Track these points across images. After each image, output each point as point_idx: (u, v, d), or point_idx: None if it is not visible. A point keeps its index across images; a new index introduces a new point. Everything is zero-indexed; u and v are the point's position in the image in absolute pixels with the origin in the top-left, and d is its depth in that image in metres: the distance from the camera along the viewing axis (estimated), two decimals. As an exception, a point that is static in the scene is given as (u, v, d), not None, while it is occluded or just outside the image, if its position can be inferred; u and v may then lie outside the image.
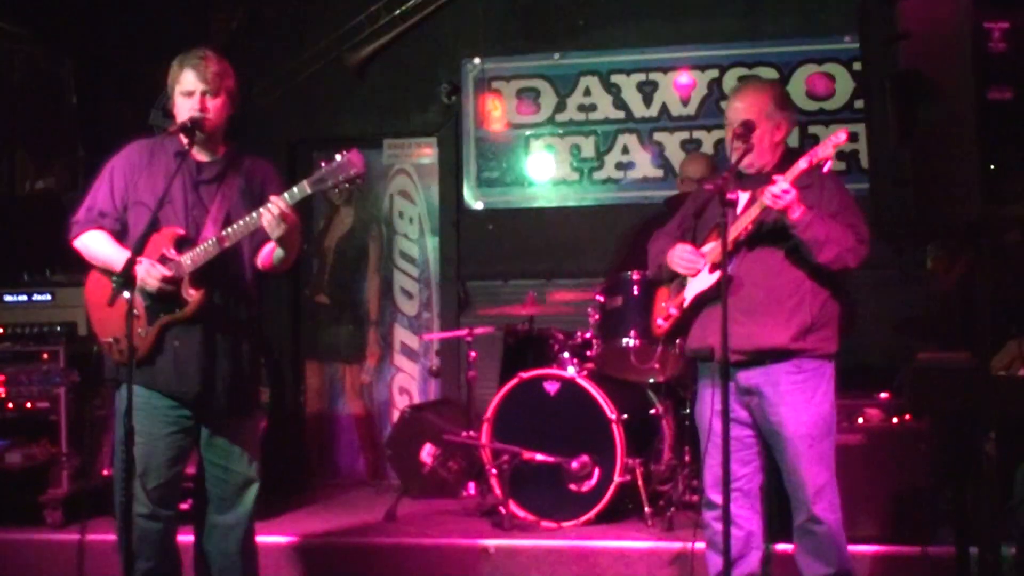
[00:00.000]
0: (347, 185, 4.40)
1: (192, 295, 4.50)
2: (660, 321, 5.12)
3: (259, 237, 4.59)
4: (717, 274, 4.73)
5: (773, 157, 4.84)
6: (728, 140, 4.90)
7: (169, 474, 4.59)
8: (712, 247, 4.84)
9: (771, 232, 4.71)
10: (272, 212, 4.34)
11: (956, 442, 5.19)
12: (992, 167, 3.88)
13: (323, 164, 4.41)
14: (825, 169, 4.63)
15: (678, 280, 5.00)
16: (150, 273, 4.44)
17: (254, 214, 4.41)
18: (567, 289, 8.00)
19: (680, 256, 4.90)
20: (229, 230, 4.46)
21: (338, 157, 4.39)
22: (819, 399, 4.75)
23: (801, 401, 4.71)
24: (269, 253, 4.63)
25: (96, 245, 4.61)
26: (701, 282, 4.86)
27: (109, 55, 8.23)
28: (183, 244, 4.52)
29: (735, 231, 4.68)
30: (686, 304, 4.94)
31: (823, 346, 4.77)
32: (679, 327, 5.04)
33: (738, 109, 4.84)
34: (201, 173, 4.65)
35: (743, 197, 4.73)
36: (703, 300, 4.87)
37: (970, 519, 4.92)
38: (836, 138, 4.58)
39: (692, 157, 7.49)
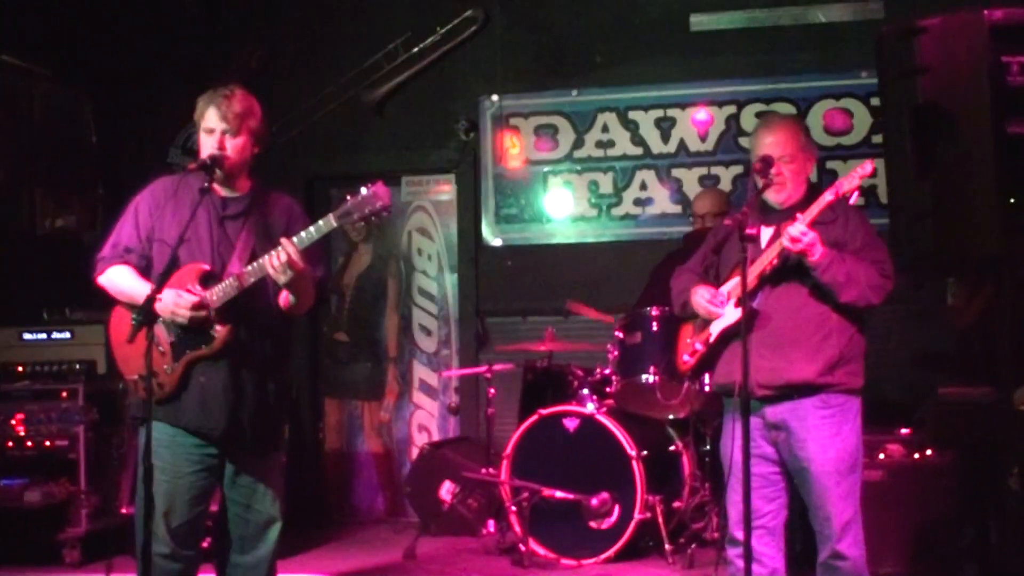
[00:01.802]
0: (373, 218, 4.36)
1: (218, 331, 4.48)
2: (686, 357, 5.07)
3: None
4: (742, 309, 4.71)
5: (803, 191, 4.81)
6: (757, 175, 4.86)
7: (192, 513, 4.55)
8: (736, 282, 4.81)
9: (796, 266, 4.65)
10: (279, 258, 4.32)
11: (979, 477, 5.15)
12: (1012, 200, 3.87)
13: (348, 197, 4.38)
14: (852, 200, 4.58)
15: (703, 316, 4.98)
16: (178, 304, 4.41)
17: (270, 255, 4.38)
18: (586, 325, 7.96)
19: (701, 298, 4.89)
20: (250, 267, 4.44)
21: (363, 190, 4.34)
22: (846, 434, 4.68)
23: (828, 436, 4.65)
24: (286, 296, 4.59)
25: (121, 280, 4.59)
26: (727, 317, 4.81)
27: (129, 93, 8.28)
28: (208, 279, 4.49)
29: (760, 266, 4.64)
30: (712, 340, 4.90)
31: (850, 381, 4.70)
32: (705, 362, 5.01)
33: (772, 144, 4.73)
34: (227, 209, 4.62)
35: (767, 232, 4.69)
36: (729, 335, 4.84)
37: (994, 555, 4.89)
38: (862, 169, 4.51)
39: (702, 193, 7.49)
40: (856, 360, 4.74)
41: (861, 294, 4.58)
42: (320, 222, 4.39)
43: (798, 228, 4.50)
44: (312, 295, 4.60)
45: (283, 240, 4.34)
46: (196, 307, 4.42)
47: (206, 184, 4.49)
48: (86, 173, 8.18)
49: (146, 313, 4.18)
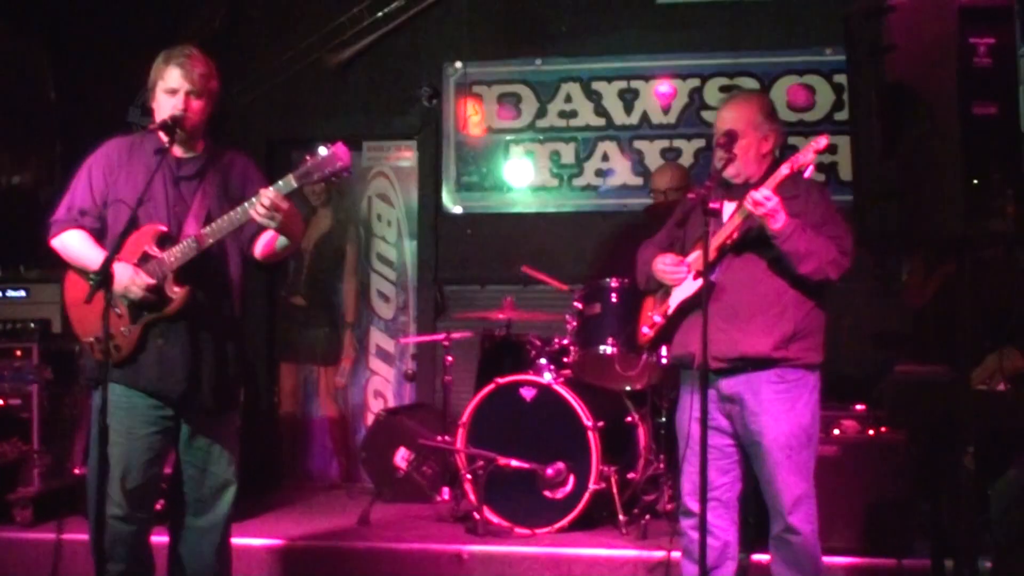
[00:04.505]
0: (333, 179, 4.33)
1: (176, 292, 4.45)
2: (645, 329, 5.11)
3: (249, 231, 4.55)
4: (700, 281, 4.73)
5: (760, 168, 4.81)
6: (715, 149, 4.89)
7: (147, 475, 4.53)
8: (697, 256, 4.83)
9: (755, 240, 4.69)
10: (264, 204, 4.29)
11: (934, 455, 5.20)
12: (975, 181, 3.88)
13: (308, 158, 4.35)
14: (806, 175, 4.64)
15: (664, 289, 5.00)
16: (134, 281, 4.39)
17: (239, 210, 4.35)
18: (544, 295, 7.95)
19: (663, 266, 4.90)
20: (210, 228, 4.41)
21: (323, 150, 4.30)
22: (800, 409, 4.71)
23: (782, 411, 4.68)
24: (270, 241, 4.57)
25: (75, 245, 4.56)
26: (685, 290, 4.85)
27: (88, 49, 8.18)
28: (165, 241, 4.47)
29: (719, 238, 4.67)
30: (670, 311, 4.93)
31: (806, 356, 4.73)
32: (663, 335, 5.03)
33: (725, 119, 4.81)
34: (181, 169, 4.60)
35: (729, 207, 4.71)
36: (687, 307, 4.86)
37: (947, 532, 4.93)
38: (816, 143, 4.59)
39: (662, 169, 7.47)
40: (813, 335, 4.77)
41: (819, 267, 4.61)
42: (280, 183, 4.35)
43: (762, 192, 4.53)
44: (302, 232, 4.63)
45: (261, 190, 4.31)
46: (149, 288, 4.41)
47: (166, 144, 4.46)
48: (44, 130, 8.08)
49: (105, 275, 4.15)
